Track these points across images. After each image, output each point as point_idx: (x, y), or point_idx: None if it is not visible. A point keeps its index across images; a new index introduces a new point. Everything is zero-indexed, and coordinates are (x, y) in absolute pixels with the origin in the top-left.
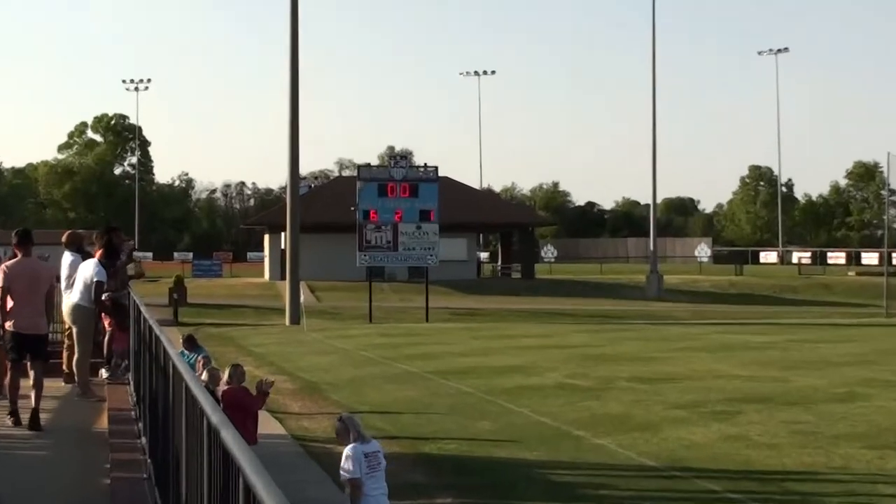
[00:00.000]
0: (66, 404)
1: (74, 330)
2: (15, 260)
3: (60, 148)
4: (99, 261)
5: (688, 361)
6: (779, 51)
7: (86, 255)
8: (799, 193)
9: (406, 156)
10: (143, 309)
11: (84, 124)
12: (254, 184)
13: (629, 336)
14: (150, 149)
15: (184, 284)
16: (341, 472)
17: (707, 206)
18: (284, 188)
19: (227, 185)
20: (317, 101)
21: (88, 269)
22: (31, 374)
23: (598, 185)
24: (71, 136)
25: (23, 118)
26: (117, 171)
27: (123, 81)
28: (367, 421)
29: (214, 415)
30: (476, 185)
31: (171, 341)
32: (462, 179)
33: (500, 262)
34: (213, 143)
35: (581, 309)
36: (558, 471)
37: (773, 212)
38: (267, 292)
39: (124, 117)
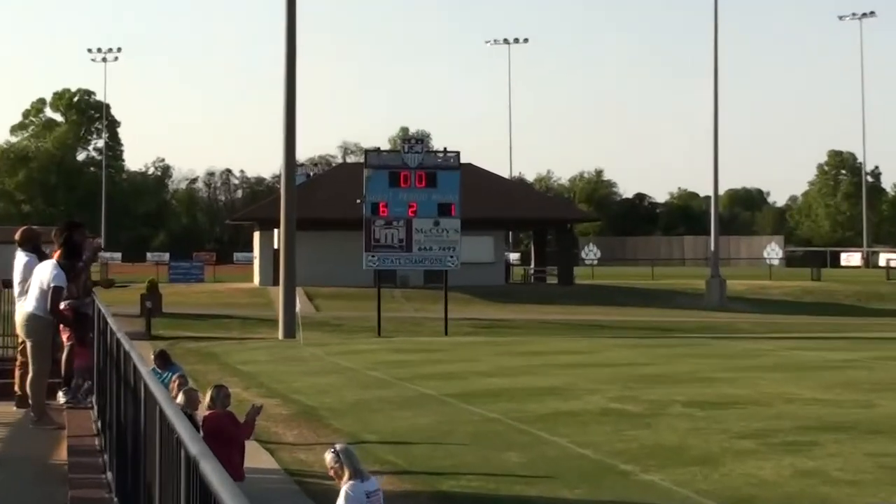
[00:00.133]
0: (17, 432)
1: (28, 344)
2: None
3: (14, 129)
4: (58, 262)
5: (755, 383)
6: (863, 15)
7: (42, 256)
8: (887, 184)
9: (422, 139)
10: (109, 320)
11: (42, 101)
12: (242, 172)
13: (685, 352)
14: (119, 130)
15: (158, 290)
16: None
17: (778, 198)
18: (278, 177)
19: (211, 174)
20: (317, 74)
21: (45, 273)
22: None
23: (649, 175)
24: (26, 115)
25: None
26: (81, 156)
27: (89, 51)
28: (374, 453)
29: (194, 445)
30: (505, 174)
31: (143, 358)
32: (489, 167)
33: (532, 265)
34: (194, 125)
35: (628, 320)
36: None
37: (857, 205)
38: (257, 300)
39: (89, 93)
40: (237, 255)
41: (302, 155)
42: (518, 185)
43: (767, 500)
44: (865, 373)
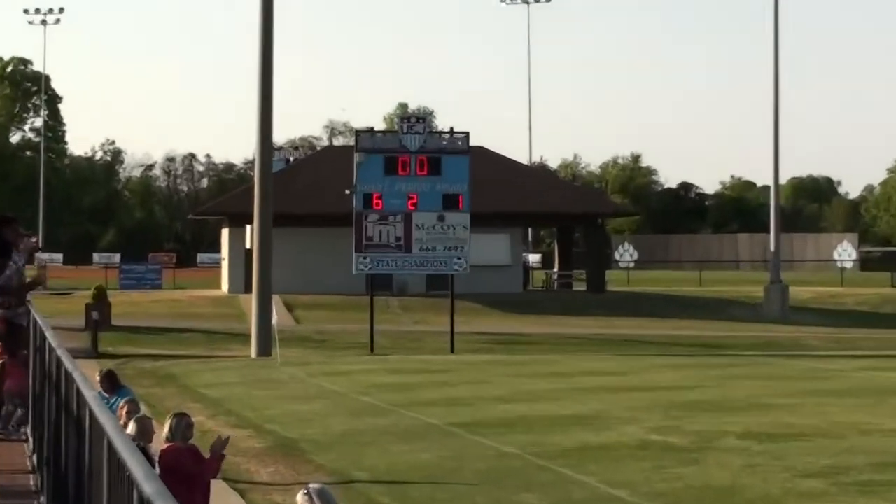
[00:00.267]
0: None
1: None
2: None
3: None
4: None
5: (822, 410)
6: None
7: None
8: None
9: (424, 117)
10: (48, 334)
11: None
12: (208, 157)
13: (739, 374)
14: (61, 107)
15: (107, 299)
16: None
17: (851, 189)
18: (251, 163)
19: (171, 160)
20: (299, 40)
21: None
22: None
23: (696, 160)
24: None
25: None
26: (14, 138)
27: (25, 12)
28: (366, 494)
29: (148, 484)
30: (523, 160)
31: (88, 380)
32: (504, 151)
33: (556, 268)
34: (151, 101)
35: (671, 335)
36: None
37: None
38: (225, 311)
39: (25, 62)
40: (202, 257)
41: (280, 136)
42: (539, 173)
43: None
44: None
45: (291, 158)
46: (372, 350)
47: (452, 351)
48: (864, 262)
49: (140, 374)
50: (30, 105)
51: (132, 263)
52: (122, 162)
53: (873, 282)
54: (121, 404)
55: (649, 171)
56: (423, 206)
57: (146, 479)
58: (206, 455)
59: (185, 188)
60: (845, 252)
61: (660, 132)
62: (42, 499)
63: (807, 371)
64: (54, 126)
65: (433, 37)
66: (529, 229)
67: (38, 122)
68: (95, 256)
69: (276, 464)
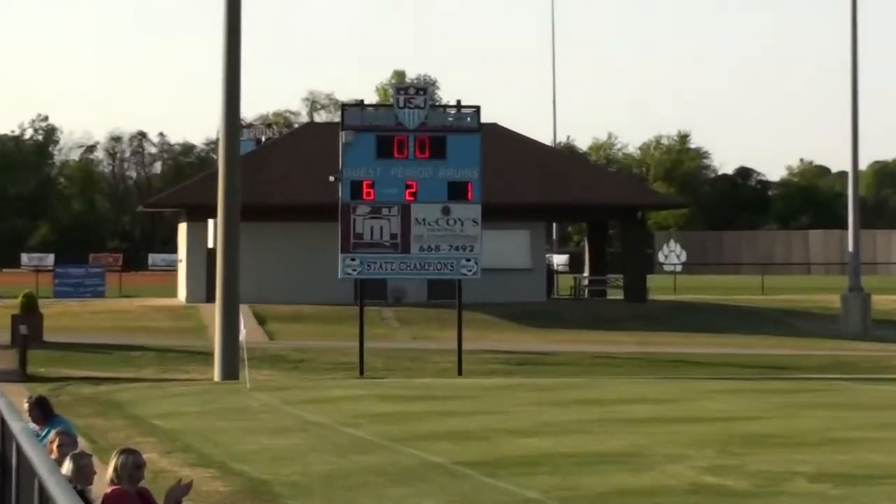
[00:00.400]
0: None
1: None
2: None
3: None
4: None
5: None
6: None
7: None
8: None
9: (426, 88)
10: None
11: None
12: (162, 136)
13: (811, 401)
14: None
15: (38, 309)
16: None
17: None
18: (214, 144)
19: (116, 139)
20: None
21: None
22: None
23: (757, 141)
24: None
25: None
26: None
27: None
28: None
29: None
30: (547, 140)
31: (15, 408)
32: (523, 130)
33: (586, 272)
34: (92, 69)
35: (728, 354)
36: None
37: None
38: (183, 324)
39: None
40: (154, 258)
41: (249, 111)
42: (565, 156)
43: None
44: None
45: (264, 138)
46: (362, 372)
47: (460, 373)
48: None
49: (78, 401)
50: None
51: (69, 266)
52: (56, 142)
53: None
54: (50, 437)
55: (700, 154)
56: (425, 197)
57: None
58: (161, 501)
59: (134, 174)
60: None
61: (713, 106)
62: None
63: (892, 398)
64: None
65: None
66: (554, 224)
67: None
68: (24, 257)
69: None
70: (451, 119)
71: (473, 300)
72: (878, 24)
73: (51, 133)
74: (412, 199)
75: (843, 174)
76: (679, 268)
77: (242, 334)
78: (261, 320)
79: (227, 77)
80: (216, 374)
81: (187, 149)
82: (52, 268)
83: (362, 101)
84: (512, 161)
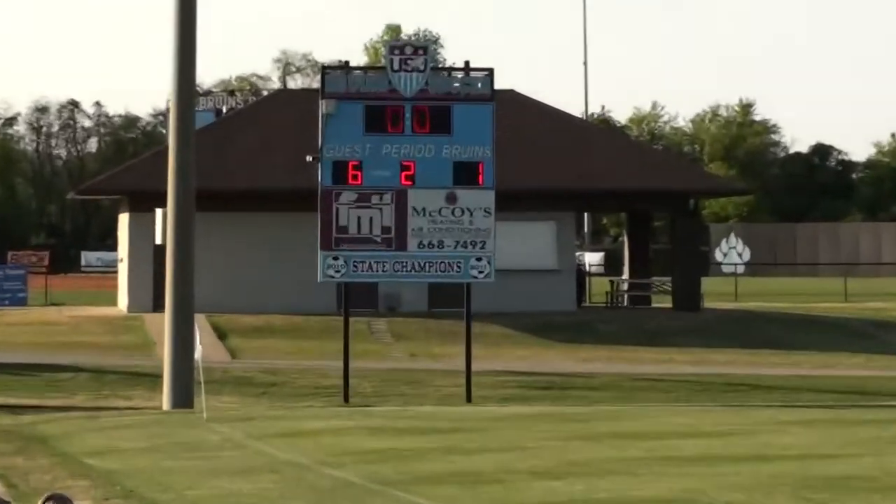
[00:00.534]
0: None
1: None
2: None
3: None
4: None
5: None
6: None
7: None
8: None
9: (426, 46)
10: None
11: None
12: (98, 106)
13: None
14: None
15: None
16: None
17: None
18: (162, 115)
19: (41, 110)
20: None
21: None
22: None
23: (837, 112)
24: None
25: None
26: None
27: None
28: None
29: None
30: (577, 111)
31: None
32: (547, 98)
33: (626, 275)
34: (11, 20)
35: (800, 375)
36: None
37: None
38: (124, 338)
39: None
40: (88, 257)
41: (207, 76)
42: (600, 131)
43: None
44: None
45: (225, 108)
46: (347, 399)
47: (469, 399)
48: None
49: None
50: None
51: None
52: None
53: None
54: None
55: (767, 128)
56: (425, 181)
57: None
58: None
59: (64, 153)
60: None
61: (782, 70)
62: None
63: None
64: None
65: None
66: (586, 215)
67: None
68: None
69: None
70: (457, 84)
71: (486, 309)
72: None
73: None
74: (409, 183)
75: None
76: (741, 268)
77: (198, 352)
78: (221, 334)
79: (180, 33)
80: (166, 401)
81: (129, 122)
82: None
83: (347, 62)
84: (533, 136)
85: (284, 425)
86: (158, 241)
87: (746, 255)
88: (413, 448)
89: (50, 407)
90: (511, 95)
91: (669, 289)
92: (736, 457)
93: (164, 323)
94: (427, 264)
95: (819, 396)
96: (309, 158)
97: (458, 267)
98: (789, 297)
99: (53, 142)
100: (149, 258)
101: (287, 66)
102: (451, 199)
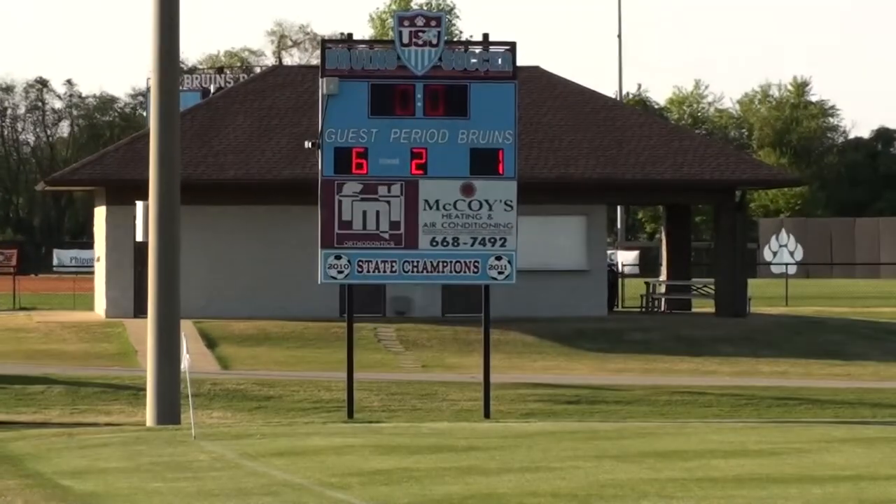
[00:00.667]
0: None
1: None
2: None
3: None
4: None
5: None
6: None
7: None
8: None
9: (440, 17)
10: None
11: None
12: (70, 85)
13: None
14: None
15: None
16: None
17: None
18: (141, 96)
19: (6, 89)
20: None
21: None
22: None
23: None
24: None
25: None
26: None
27: None
28: None
29: None
30: (609, 91)
31: None
32: (576, 77)
33: (663, 276)
34: None
35: (858, 389)
36: None
37: None
38: (102, 347)
39: None
40: (61, 256)
41: (193, 52)
42: (635, 114)
43: None
44: None
45: (213, 87)
46: (351, 414)
47: (487, 415)
48: None
49: None
50: None
51: None
52: None
53: None
54: None
55: (823, 110)
56: (438, 170)
57: None
58: None
59: (32, 138)
60: None
61: (841, 44)
62: None
63: None
64: None
65: None
66: (619, 209)
67: None
68: None
69: None
70: (475, 60)
71: (506, 314)
72: None
73: None
74: (421, 172)
75: None
76: (792, 269)
77: (185, 362)
78: (210, 342)
79: (161, 1)
80: (149, 416)
81: (105, 103)
82: None
83: (350, 35)
84: (560, 119)
85: (282, 443)
86: (140, 237)
87: (799, 254)
88: (425, 468)
89: (21, 423)
90: (536, 73)
91: (712, 292)
92: (784, 478)
93: (147, 329)
94: (440, 264)
95: (877, 412)
96: (308, 145)
97: (476, 267)
98: (846, 301)
99: (20, 125)
100: (129, 257)
101: (282, 40)
102: (468, 190)
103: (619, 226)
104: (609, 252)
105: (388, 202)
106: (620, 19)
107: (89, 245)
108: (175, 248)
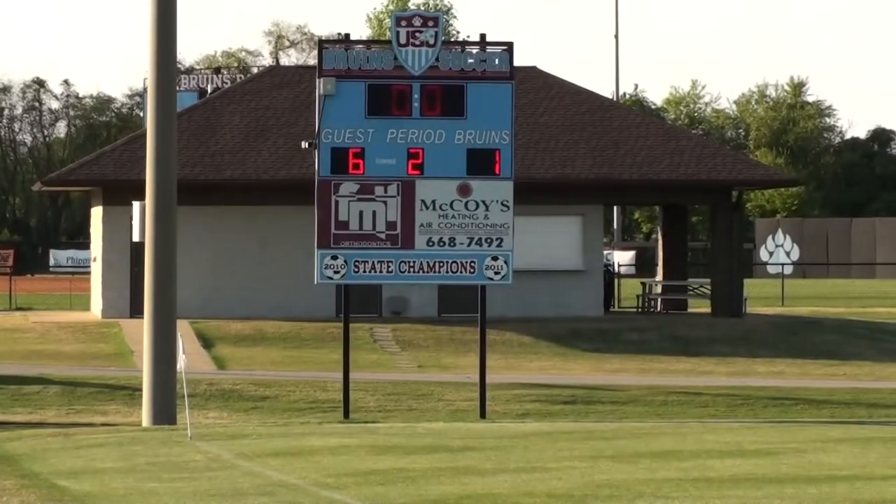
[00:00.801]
0: None
1: None
2: None
3: None
4: None
5: None
6: None
7: None
8: None
9: (437, 17)
10: None
11: None
12: (67, 85)
13: None
14: None
15: None
16: None
17: None
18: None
19: (3, 89)
20: None
21: None
22: None
23: None
24: None
25: None
26: None
27: None
28: None
29: None
30: (606, 91)
31: None
32: (572, 77)
33: (660, 276)
34: None
35: (855, 389)
36: None
37: None
38: (98, 347)
39: None
40: (57, 256)
41: (190, 52)
42: (631, 114)
43: None
44: None
45: (210, 88)
46: (347, 414)
47: (483, 415)
48: None
49: None
50: None
51: None
52: None
53: None
54: None
55: (820, 111)
56: (435, 170)
57: None
58: None
59: (29, 139)
60: None
61: (838, 45)
62: None
63: None
64: None
65: None
66: (616, 209)
67: None
68: None
69: None
70: (472, 61)
71: (503, 314)
72: None
73: None
74: (417, 173)
75: None
76: (789, 269)
77: (181, 362)
78: (207, 342)
79: (158, 1)
80: (145, 416)
81: (102, 103)
82: None
83: (348, 35)
84: (557, 120)
85: (278, 443)
86: (136, 237)
87: (795, 254)
88: (421, 468)
89: (17, 423)
90: (533, 73)
91: (708, 292)
92: (780, 478)
93: (143, 330)
94: (437, 264)
95: (873, 412)
96: (304, 145)
97: (472, 267)
98: (842, 301)
99: (17, 126)
100: (125, 257)
101: (279, 40)
102: (465, 190)
103: (615, 226)
104: (605, 252)
105: (385, 202)
106: (617, 20)
107: (86, 245)
108: (171, 249)
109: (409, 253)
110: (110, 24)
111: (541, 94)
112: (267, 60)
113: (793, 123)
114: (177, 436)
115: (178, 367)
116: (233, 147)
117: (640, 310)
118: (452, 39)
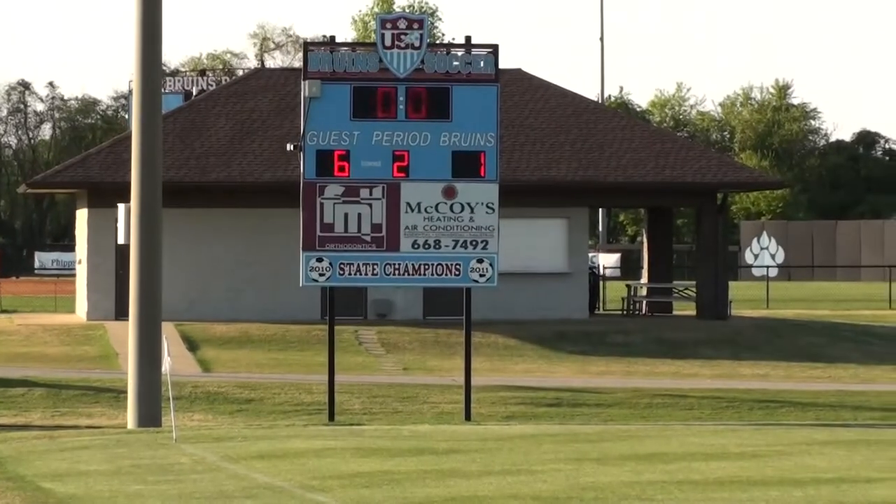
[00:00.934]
0: None
1: None
2: None
3: None
4: None
5: None
6: None
7: None
8: None
9: (422, 19)
10: None
11: None
12: (52, 87)
13: None
14: None
15: None
16: None
17: None
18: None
19: None
20: None
21: None
22: None
23: (885, 96)
24: None
25: None
26: None
27: None
28: None
29: None
30: (591, 94)
31: None
32: (558, 79)
33: (644, 279)
34: None
35: (839, 392)
36: None
37: None
38: (83, 349)
39: None
40: (42, 259)
41: (175, 54)
42: (616, 116)
43: None
44: None
45: (195, 90)
46: (332, 416)
47: (468, 417)
48: None
49: None
50: None
51: None
52: None
53: None
54: None
55: (805, 113)
56: (420, 172)
57: None
58: None
59: (14, 141)
60: None
61: (823, 47)
62: None
63: None
64: None
65: None
66: (601, 212)
67: None
68: None
69: None
70: (457, 63)
71: (488, 316)
72: None
73: None
74: (403, 175)
75: None
76: (773, 271)
77: (166, 364)
78: (192, 345)
79: (143, 3)
80: (130, 419)
81: (88, 105)
82: None
83: (333, 37)
84: (542, 122)
85: (263, 446)
86: (121, 240)
87: (780, 257)
88: (406, 471)
89: (1, 425)
90: (518, 75)
91: (693, 294)
92: (765, 480)
93: (128, 332)
94: (422, 267)
95: (858, 414)
96: (290, 147)
97: (457, 270)
98: (827, 304)
99: (1, 128)
100: (110, 259)
101: (265, 42)
102: (450, 193)
103: (600, 228)
104: (590, 255)
105: (370, 205)
106: (602, 22)
107: (71, 248)
108: (157, 251)
109: (395, 255)
110: (95, 26)
111: (526, 96)
112: (252, 63)
113: (778, 126)
114: (162, 438)
115: (164, 369)
116: (218, 149)
117: (625, 312)
118: (438, 42)
